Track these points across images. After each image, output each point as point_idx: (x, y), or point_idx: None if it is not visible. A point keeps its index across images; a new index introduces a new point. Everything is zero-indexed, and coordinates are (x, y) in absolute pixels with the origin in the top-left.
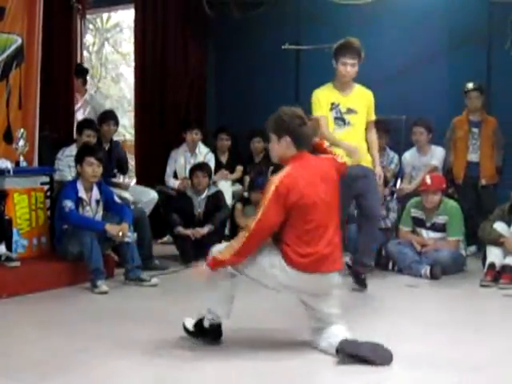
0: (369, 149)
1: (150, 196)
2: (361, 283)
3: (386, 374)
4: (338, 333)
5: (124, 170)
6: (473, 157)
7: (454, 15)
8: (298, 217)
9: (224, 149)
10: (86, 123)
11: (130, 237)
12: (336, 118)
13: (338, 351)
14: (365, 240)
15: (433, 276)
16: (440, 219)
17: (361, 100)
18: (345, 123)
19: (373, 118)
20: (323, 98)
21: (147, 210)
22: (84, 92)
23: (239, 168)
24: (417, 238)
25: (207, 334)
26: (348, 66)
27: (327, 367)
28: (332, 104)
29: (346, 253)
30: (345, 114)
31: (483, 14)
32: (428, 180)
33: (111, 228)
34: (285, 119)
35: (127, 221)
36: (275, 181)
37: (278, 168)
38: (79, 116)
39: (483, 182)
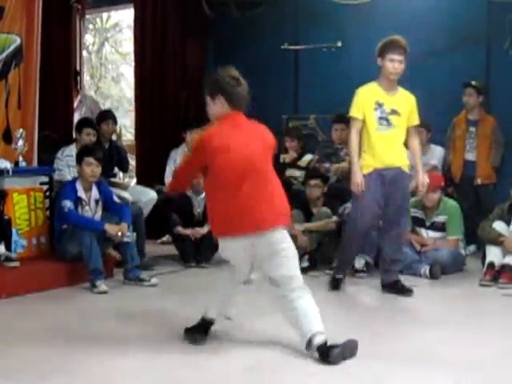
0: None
1: (150, 196)
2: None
3: (384, 373)
4: (306, 314)
5: (125, 168)
6: (470, 155)
7: (453, 15)
8: (216, 175)
9: None
10: (85, 122)
11: (130, 237)
12: (380, 118)
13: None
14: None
15: (432, 275)
16: (439, 218)
17: (404, 102)
18: (389, 124)
19: (416, 122)
20: (365, 97)
21: (146, 209)
22: (77, 93)
23: None
24: (416, 237)
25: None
26: (396, 63)
27: (325, 367)
28: (376, 103)
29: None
30: (389, 115)
31: (482, 13)
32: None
33: (110, 228)
34: (219, 79)
35: (126, 221)
36: (202, 134)
37: (276, 168)
38: (75, 117)
39: (478, 181)
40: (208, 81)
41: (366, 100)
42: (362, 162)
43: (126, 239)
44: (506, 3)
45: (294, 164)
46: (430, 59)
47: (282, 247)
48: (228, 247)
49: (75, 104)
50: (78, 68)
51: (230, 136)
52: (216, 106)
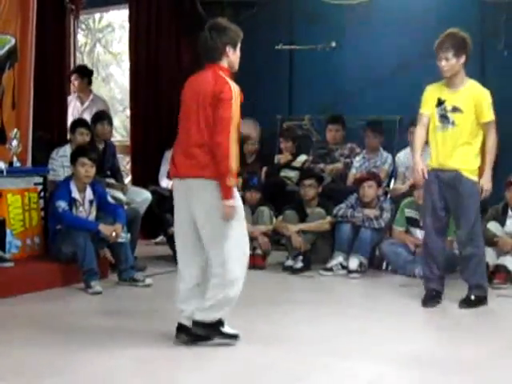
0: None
1: (144, 196)
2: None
3: (378, 373)
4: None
5: (118, 179)
6: None
7: (446, 15)
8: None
9: None
10: (78, 122)
11: (124, 237)
12: (441, 116)
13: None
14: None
15: None
16: None
17: (469, 98)
18: (449, 122)
19: (486, 119)
20: (429, 93)
21: (141, 210)
22: (89, 93)
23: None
24: (411, 238)
25: None
26: (443, 61)
27: (319, 367)
28: (439, 100)
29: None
30: (449, 113)
31: (476, 14)
32: None
33: (105, 228)
34: (237, 31)
35: (121, 221)
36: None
37: (270, 169)
38: (87, 117)
39: None
40: (230, 30)
41: (427, 96)
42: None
43: (120, 240)
44: (500, 4)
45: (288, 165)
46: (424, 60)
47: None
48: None
49: (87, 103)
50: (71, 68)
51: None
52: (235, 56)
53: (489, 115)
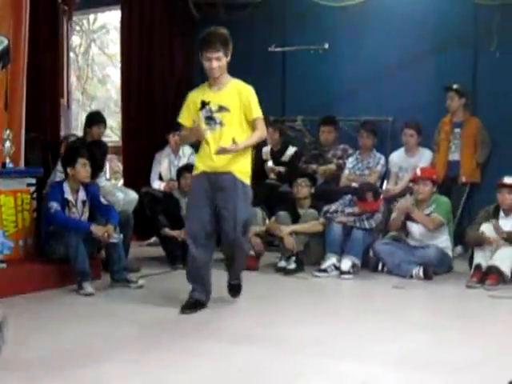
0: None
1: (130, 197)
2: None
3: (371, 374)
4: None
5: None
6: (455, 156)
7: (440, 17)
8: None
9: None
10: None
11: (116, 238)
12: (207, 118)
13: None
14: None
15: (426, 276)
16: (428, 211)
17: (235, 96)
18: (216, 122)
19: (254, 115)
20: (191, 99)
21: (128, 210)
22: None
23: None
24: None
25: None
26: (213, 62)
27: (313, 368)
28: (202, 102)
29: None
30: (215, 113)
31: (469, 16)
32: (418, 171)
33: (97, 229)
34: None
35: (113, 222)
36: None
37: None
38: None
39: (463, 179)
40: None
41: (191, 103)
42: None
43: (112, 240)
44: (493, 6)
45: (274, 158)
46: (418, 61)
47: None
48: None
49: None
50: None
51: None
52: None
53: (256, 111)
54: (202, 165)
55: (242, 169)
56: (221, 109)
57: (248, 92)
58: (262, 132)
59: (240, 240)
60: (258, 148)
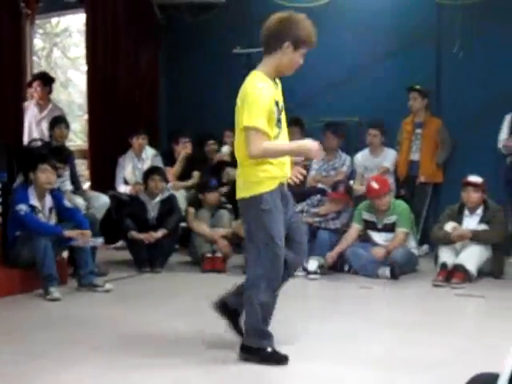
0: None
1: (102, 201)
2: None
3: (339, 374)
4: None
5: (76, 185)
6: (416, 156)
7: (403, 17)
8: None
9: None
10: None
11: (94, 241)
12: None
13: None
14: None
15: (393, 276)
16: (390, 220)
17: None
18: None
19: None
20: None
21: (99, 214)
22: (48, 101)
23: (196, 174)
24: (376, 250)
25: None
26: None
27: (280, 369)
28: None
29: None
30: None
31: (432, 16)
32: (375, 185)
33: (71, 233)
34: None
35: (85, 227)
36: None
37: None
38: (45, 125)
39: (422, 178)
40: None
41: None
42: None
43: (90, 244)
44: (455, 6)
45: (233, 162)
46: (381, 62)
47: None
48: None
49: (46, 111)
50: (28, 74)
51: None
52: None
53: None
54: (280, 175)
55: None
56: (282, 109)
57: None
58: None
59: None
60: None
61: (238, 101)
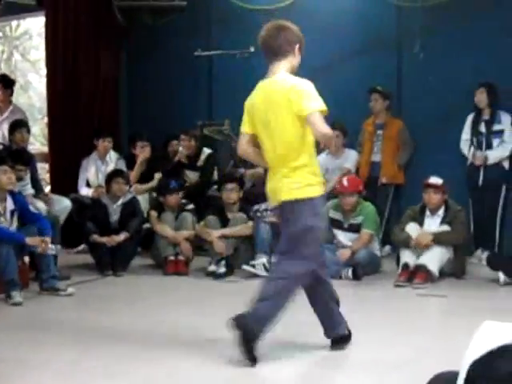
0: None
1: (64, 204)
2: None
3: (302, 376)
4: None
5: (38, 189)
6: (377, 157)
7: (363, 19)
8: None
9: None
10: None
11: (54, 249)
12: None
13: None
14: None
15: (355, 277)
16: (356, 220)
17: None
18: None
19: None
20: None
21: (61, 218)
22: (9, 104)
23: (157, 176)
24: (343, 251)
25: None
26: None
27: (248, 372)
28: None
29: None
30: None
31: (392, 18)
32: (345, 182)
33: (33, 240)
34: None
35: (48, 233)
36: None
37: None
38: (5, 127)
39: (383, 180)
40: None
41: None
42: None
43: (50, 252)
44: (415, 8)
45: (190, 165)
46: (342, 63)
47: None
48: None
49: (6, 114)
50: None
51: None
52: None
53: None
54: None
55: None
56: None
57: None
58: None
59: None
60: None
61: (277, 106)
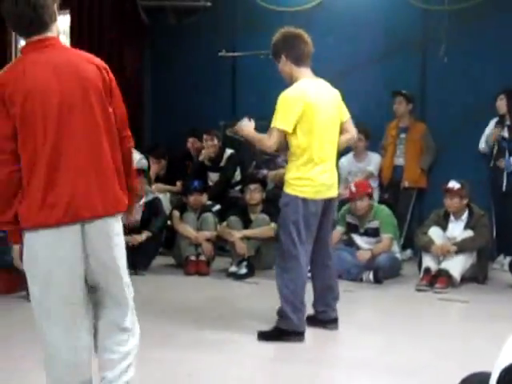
0: None
1: None
2: None
3: (326, 379)
4: None
5: None
6: (400, 161)
7: (389, 23)
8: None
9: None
10: None
11: None
12: None
13: None
14: None
15: (376, 280)
16: (372, 224)
17: None
18: None
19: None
20: None
21: None
22: None
23: (178, 183)
24: (361, 252)
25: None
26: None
27: (262, 371)
28: None
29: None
30: None
31: (418, 22)
32: (353, 188)
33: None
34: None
35: None
36: None
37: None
38: None
39: (406, 183)
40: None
41: None
42: None
43: None
44: (441, 11)
45: (213, 167)
46: (367, 66)
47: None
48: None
49: None
50: None
51: None
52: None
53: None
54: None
55: None
56: None
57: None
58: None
59: None
60: None
61: (337, 104)
